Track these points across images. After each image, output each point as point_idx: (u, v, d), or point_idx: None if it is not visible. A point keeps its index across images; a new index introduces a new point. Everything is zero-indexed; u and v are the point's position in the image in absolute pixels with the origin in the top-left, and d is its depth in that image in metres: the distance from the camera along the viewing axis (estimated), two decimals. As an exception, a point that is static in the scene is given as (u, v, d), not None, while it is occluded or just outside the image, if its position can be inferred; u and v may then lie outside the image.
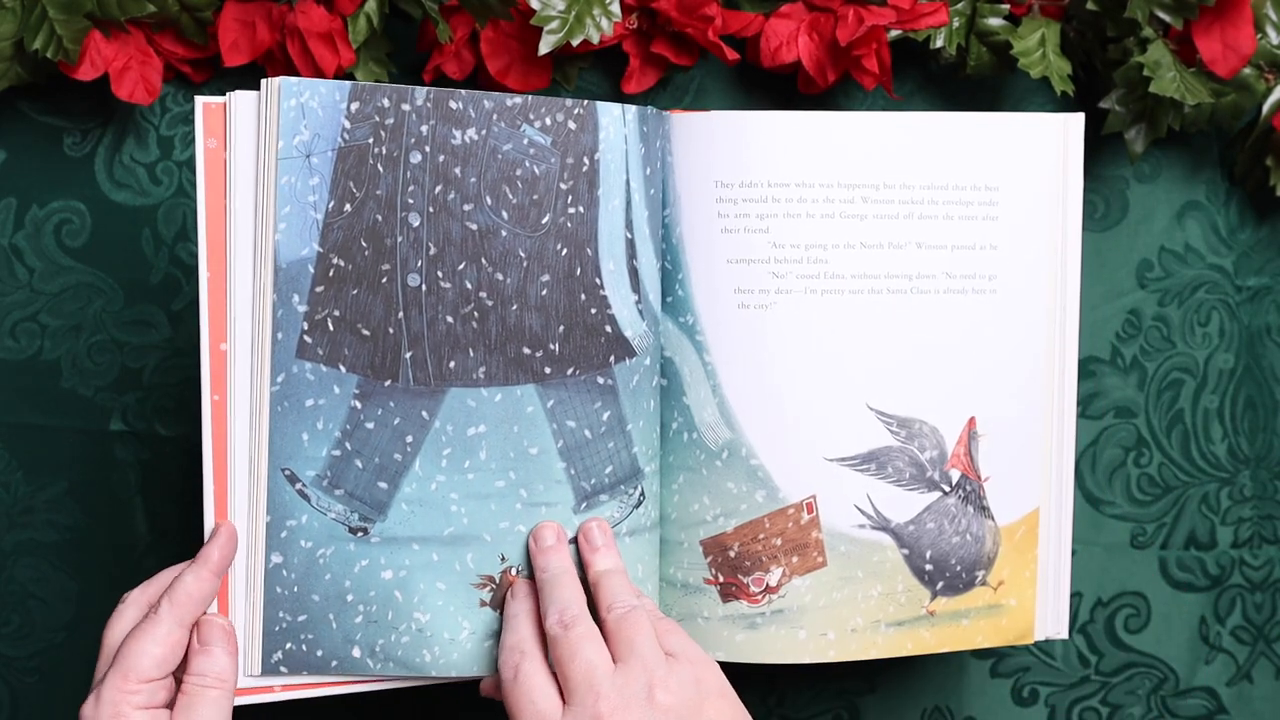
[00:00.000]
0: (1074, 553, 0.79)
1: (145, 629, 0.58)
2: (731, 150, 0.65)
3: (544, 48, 0.70)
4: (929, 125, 0.66)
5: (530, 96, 0.62)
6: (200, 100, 0.61)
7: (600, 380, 0.64)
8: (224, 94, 0.60)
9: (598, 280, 0.63)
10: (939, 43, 0.75)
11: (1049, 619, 0.70)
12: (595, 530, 0.63)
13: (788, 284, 0.65)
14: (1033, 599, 0.69)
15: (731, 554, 0.66)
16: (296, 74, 0.72)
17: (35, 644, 0.77)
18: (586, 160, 0.62)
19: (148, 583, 0.61)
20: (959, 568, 0.68)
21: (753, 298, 0.65)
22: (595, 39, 0.70)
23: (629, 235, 0.64)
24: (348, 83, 0.60)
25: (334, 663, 0.63)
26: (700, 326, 0.66)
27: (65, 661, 0.76)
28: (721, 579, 0.67)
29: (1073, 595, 0.80)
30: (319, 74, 0.71)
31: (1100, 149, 0.79)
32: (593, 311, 0.63)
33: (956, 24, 0.75)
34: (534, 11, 0.70)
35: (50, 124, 0.76)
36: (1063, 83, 0.73)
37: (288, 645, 0.62)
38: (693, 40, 0.73)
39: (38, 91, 0.75)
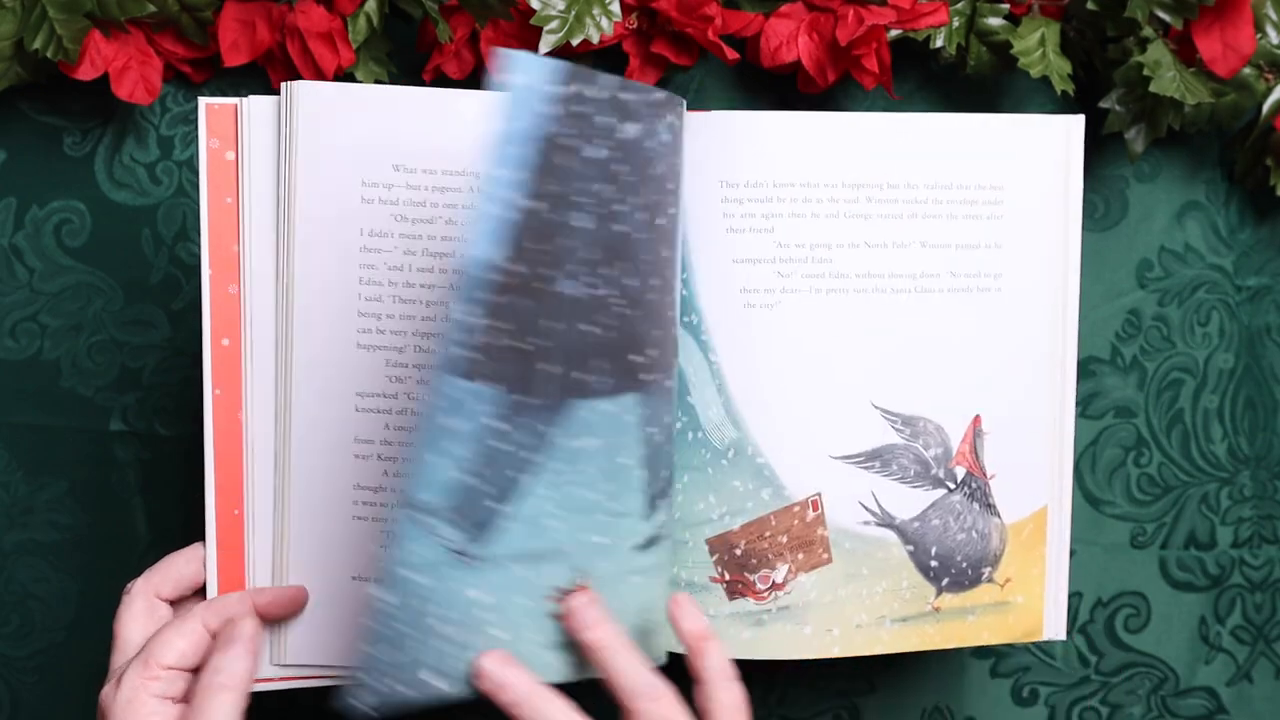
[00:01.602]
0: (1074, 553, 0.79)
1: (175, 623, 0.60)
2: (737, 150, 0.65)
3: (544, 48, 0.70)
4: (932, 126, 0.66)
5: (666, 92, 0.58)
6: (203, 101, 0.62)
7: (667, 384, 0.61)
8: (224, 94, 0.61)
9: (675, 282, 0.62)
10: (939, 43, 0.75)
11: (1051, 618, 0.70)
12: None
13: (793, 283, 0.65)
14: (1041, 596, 0.69)
15: (738, 552, 0.66)
16: (296, 73, 0.72)
17: (35, 644, 0.77)
18: (679, 160, 0.61)
19: (150, 571, 0.63)
20: (965, 564, 0.68)
21: (758, 297, 0.65)
22: (595, 39, 0.70)
23: None
24: (561, 62, 0.53)
25: (417, 675, 0.58)
26: (705, 326, 0.66)
27: (65, 661, 0.76)
28: (728, 577, 0.67)
29: (1072, 595, 0.80)
30: (319, 74, 0.72)
31: (1100, 149, 0.79)
32: (670, 314, 0.61)
33: (956, 24, 0.75)
34: (534, 11, 0.70)
35: (50, 124, 0.76)
36: (1063, 82, 0.73)
37: (373, 677, 0.57)
38: (693, 40, 0.73)
39: (38, 91, 0.75)
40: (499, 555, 0.57)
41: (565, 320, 0.55)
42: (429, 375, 0.58)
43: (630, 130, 0.56)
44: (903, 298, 0.66)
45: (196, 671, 0.60)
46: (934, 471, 0.67)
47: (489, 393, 0.54)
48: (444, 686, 0.58)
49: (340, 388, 0.63)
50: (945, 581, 0.68)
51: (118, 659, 0.61)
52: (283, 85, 0.61)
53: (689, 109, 0.66)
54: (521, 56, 0.51)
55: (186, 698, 0.59)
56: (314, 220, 0.62)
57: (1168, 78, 0.72)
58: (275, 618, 0.63)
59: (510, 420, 0.55)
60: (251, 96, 0.62)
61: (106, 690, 0.60)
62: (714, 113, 0.66)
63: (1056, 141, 0.67)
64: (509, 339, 0.54)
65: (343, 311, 0.62)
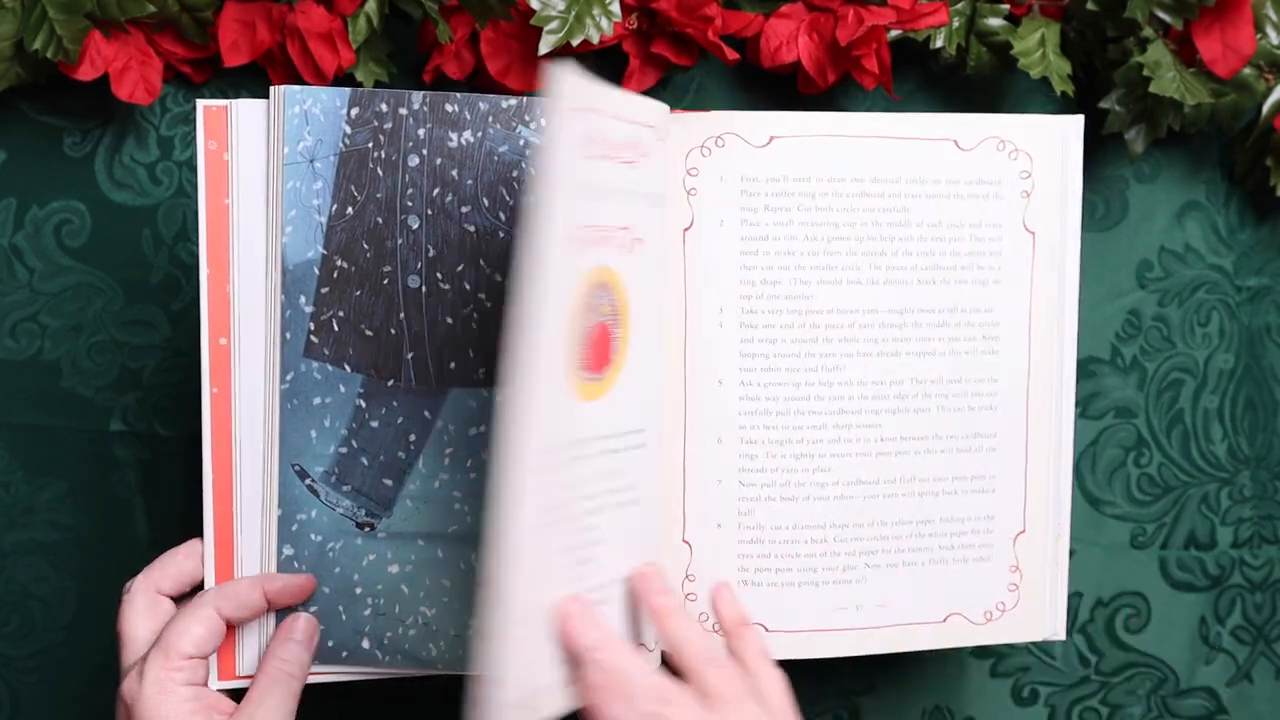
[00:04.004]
0: (1074, 553, 0.79)
1: (188, 611, 0.61)
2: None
3: (544, 48, 0.70)
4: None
5: (525, 98, 0.63)
6: (201, 104, 0.62)
7: None
8: (224, 94, 0.61)
9: None
10: (939, 43, 0.75)
11: (1047, 620, 0.70)
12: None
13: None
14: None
15: None
16: (296, 74, 0.72)
17: (35, 644, 0.77)
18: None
19: (149, 568, 0.63)
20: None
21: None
22: (595, 39, 0.70)
23: None
24: (348, 89, 0.62)
25: (344, 653, 0.64)
26: None
27: (65, 661, 0.76)
28: None
29: (1072, 595, 0.80)
30: (319, 74, 0.71)
31: (1100, 149, 0.79)
32: None
33: (956, 24, 0.75)
34: (534, 11, 0.70)
35: (50, 124, 0.76)
36: (1063, 83, 0.73)
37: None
38: (693, 40, 0.73)
39: (38, 91, 0.75)
40: (407, 532, 0.64)
41: (421, 312, 0.63)
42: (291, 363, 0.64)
43: (463, 139, 0.62)
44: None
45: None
46: None
47: (356, 377, 0.63)
48: (380, 655, 0.64)
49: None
50: None
51: (127, 656, 0.61)
52: (271, 90, 0.62)
53: (688, 109, 0.66)
54: (311, 89, 0.62)
55: (207, 682, 0.62)
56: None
57: (1168, 78, 0.72)
58: (284, 605, 0.64)
59: (386, 404, 0.63)
60: (240, 100, 0.62)
61: (127, 685, 0.60)
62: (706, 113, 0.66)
63: (1055, 141, 0.67)
64: (345, 325, 0.63)
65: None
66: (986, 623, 0.69)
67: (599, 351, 0.61)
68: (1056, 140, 0.67)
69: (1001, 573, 0.69)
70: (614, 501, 0.62)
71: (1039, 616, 0.69)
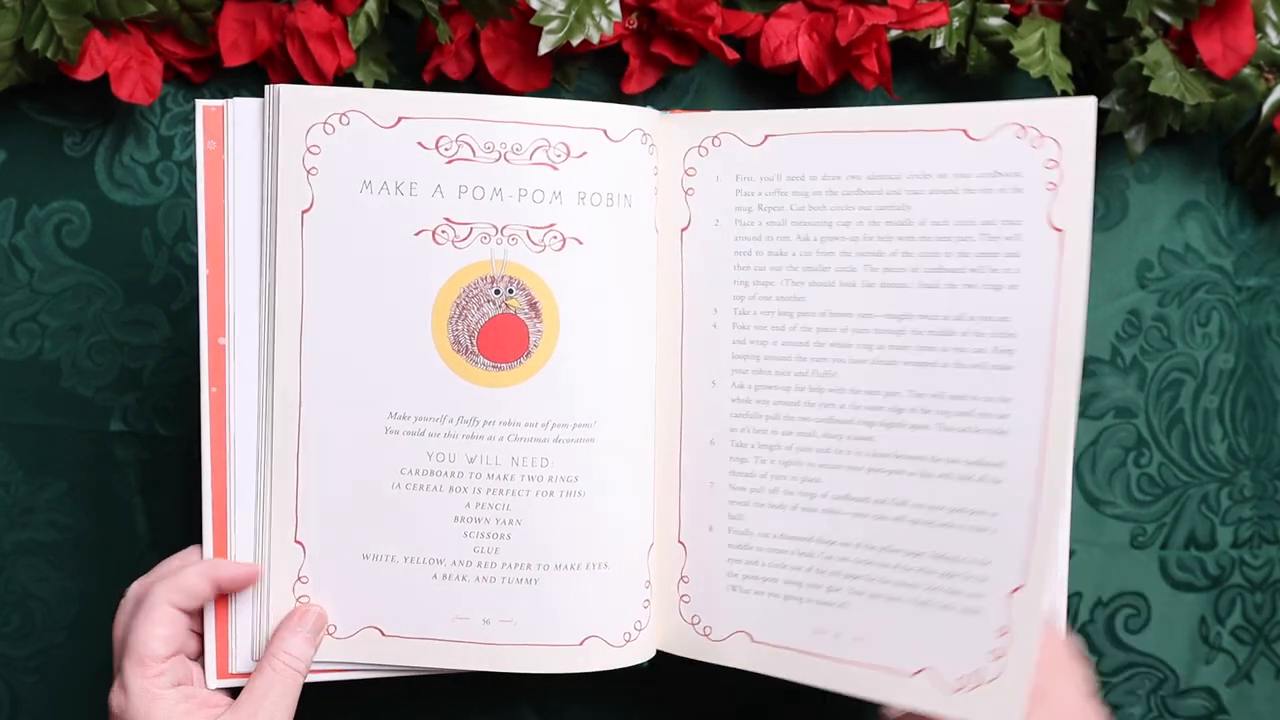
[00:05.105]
0: (1074, 553, 0.79)
1: (145, 614, 0.60)
2: None
3: (544, 48, 0.70)
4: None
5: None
6: (200, 104, 0.62)
7: None
8: (224, 94, 0.61)
9: None
10: (939, 43, 0.75)
11: (1017, 707, 0.62)
12: None
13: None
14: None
15: None
16: (296, 74, 0.72)
17: (35, 644, 0.77)
18: None
19: (147, 575, 0.63)
20: None
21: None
22: (595, 39, 0.70)
23: None
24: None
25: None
26: None
27: (65, 661, 0.76)
28: None
29: (1072, 595, 0.80)
30: (319, 74, 0.72)
31: (1100, 149, 0.78)
32: None
33: (956, 24, 0.75)
34: (534, 11, 0.70)
35: (50, 124, 0.76)
36: (1063, 83, 0.73)
37: None
38: (693, 40, 0.73)
39: (38, 91, 0.75)
40: None
41: None
42: None
43: None
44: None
45: (189, 656, 0.63)
46: None
47: None
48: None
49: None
50: None
51: (116, 662, 0.61)
52: (267, 89, 0.62)
53: (689, 109, 0.66)
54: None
55: (194, 681, 0.62)
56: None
57: (1168, 78, 0.72)
58: (232, 591, 0.63)
59: None
60: (237, 99, 0.62)
61: (114, 696, 0.60)
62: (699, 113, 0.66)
63: (1086, 126, 0.60)
64: None
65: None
66: (956, 692, 0.61)
67: (503, 342, 0.62)
68: (1086, 124, 0.60)
69: (986, 636, 0.60)
70: (537, 489, 0.62)
71: (1016, 697, 0.60)
